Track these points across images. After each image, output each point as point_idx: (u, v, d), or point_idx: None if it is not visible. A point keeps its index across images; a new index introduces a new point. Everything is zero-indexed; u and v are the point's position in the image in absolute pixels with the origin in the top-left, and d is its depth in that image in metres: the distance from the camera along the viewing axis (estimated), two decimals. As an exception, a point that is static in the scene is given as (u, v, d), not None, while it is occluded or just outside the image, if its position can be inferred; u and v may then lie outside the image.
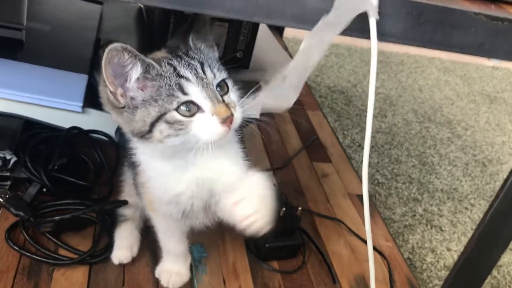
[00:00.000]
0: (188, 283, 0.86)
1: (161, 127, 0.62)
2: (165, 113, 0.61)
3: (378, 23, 0.52)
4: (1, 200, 0.88)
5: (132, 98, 0.63)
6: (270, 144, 1.28)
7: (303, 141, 1.33)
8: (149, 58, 0.63)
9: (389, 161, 1.74)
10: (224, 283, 0.88)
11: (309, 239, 1.01)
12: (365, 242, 1.05)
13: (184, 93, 0.61)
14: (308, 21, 0.52)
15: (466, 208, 1.60)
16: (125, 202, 0.90)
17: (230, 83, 0.66)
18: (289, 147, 1.30)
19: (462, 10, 0.54)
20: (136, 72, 0.61)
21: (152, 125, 0.62)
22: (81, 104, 1.02)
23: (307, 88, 1.68)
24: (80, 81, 1.07)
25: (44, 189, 0.93)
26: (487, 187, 1.73)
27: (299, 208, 0.91)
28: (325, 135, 1.39)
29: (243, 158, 0.71)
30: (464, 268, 0.77)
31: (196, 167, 0.68)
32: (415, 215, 1.51)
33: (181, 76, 0.62)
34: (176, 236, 0.82)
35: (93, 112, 1.05)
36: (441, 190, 1.66)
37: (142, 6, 1.44)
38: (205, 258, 0.92)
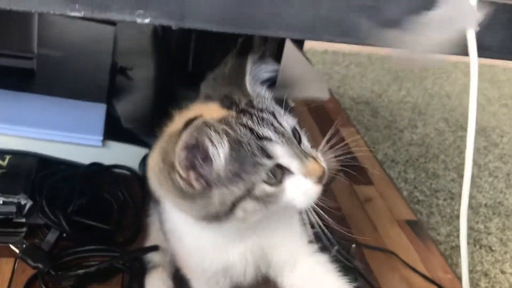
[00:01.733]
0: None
1: (247, 205, 0.50)
2: (252, 188, 0.49)
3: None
4: (17, 251, 0.79)
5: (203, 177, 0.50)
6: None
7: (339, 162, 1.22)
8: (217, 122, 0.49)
9: (426, 176, 1.62)
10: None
11: (361, 276, 0.90)
12: (422, 275, 0.94)
13: (269, 157, 0.49)
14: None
15: (515, 224, 1.48)
16: (156, 248, 0.79)
17: (298, 127, 0.54)
18: (325, 169, 1.19)
19: None
20: (222, 152, 0.49)
21: (234, 204, 0.50)
22: (102, 138, 0.92)
23: (336, 102, 1.58)
24: (98, 111, 0.97)
25: (64, 235, 0.83)
26: (534, 199, 1.61)
27: (353, 246, 0.80)
28: (362, 155, 1.28)
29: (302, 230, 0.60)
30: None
31: (253, 233, 0.57)
32: (461, 235, 1.39)
33: (261, 138, 0.50)
34: None
35: (113, 145, 0.95)
36: (485, 205, 1.54)
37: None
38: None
